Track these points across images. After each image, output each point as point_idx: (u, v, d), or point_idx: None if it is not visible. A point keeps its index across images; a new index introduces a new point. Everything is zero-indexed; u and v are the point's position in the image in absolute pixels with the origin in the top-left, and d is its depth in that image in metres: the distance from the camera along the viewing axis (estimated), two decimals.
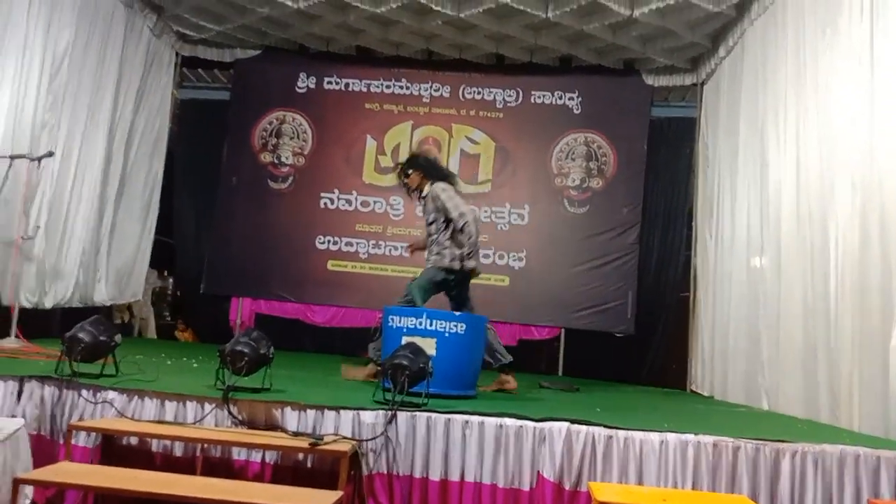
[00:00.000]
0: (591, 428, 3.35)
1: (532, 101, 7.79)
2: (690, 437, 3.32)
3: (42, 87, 5.82)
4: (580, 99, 7.72)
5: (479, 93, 7.85)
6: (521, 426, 3.35)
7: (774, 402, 5.01)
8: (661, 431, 3.36)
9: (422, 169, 5.06)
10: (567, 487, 3.27)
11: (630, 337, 7.35)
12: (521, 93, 7.81)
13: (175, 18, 7.55)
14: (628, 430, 3.36)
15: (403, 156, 7.78)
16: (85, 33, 6.31)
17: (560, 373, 7.36)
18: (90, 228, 6.66)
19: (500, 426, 3.35)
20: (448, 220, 4.76)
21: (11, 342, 4.74)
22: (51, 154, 5.44)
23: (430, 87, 7.91)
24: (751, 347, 5.50)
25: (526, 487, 3.30)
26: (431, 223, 4.89)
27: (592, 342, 7.40)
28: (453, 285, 4.88)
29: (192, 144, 8.42)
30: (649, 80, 7.65)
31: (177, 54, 8.03)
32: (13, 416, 3.47)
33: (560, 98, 7.75)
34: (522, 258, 7.53)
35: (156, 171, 7.86)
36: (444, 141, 7.84)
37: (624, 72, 7.66)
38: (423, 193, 5.00)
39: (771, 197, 5.35)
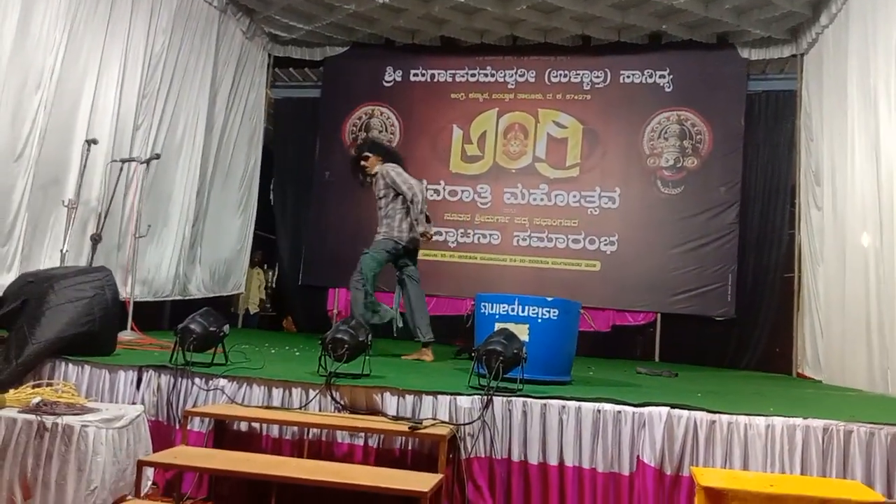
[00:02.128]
0: (693, 412, 3.28)
1: (621, 80, 7.62)
2: (798, 420, 3.20)
3: (142, 91, 6.17)
4: (672, 76, 7.49)
5: (565, 76, 7.75)
6: (619, 411, 3.32)
7: (894, 386, 4.73)
8: (766, 416, 3.25)
9: (377, 152, 5.77)
10: (668, 472, 3.22)
11: (731, 321, 7.10)
12: (608, 73, 7.65)
13: (266, 20, 7.82)
14: (732, 414, 3.27)
15: (490, 144, 7.82)
16: (180, 38, 6.64)
17: (657, 359, 7.20)
18: (190, 224, 7.02)
19: (598, 411, 3.33)
20: (397, 195, 5.45)
21: (128, 334, 5.06)
22: (157, 156, 5.77)
23: (515, 72, 7.87)
24: (866, 328, 5.20)
25: (626, 472, 3.27)
26: (381, 198, 5.55)
27: (690, 327, 7.20)
28: (402, 254, 5.56)
29: (287, 142, 8.71)
30: (745, 54, 7.34)
31: (269, 55, 8.33)
32: (134, 403, 3.73)
33: (650, 76, 7.55)
34: (614, 242, 7.40)
35: (252, 169, 8.19)
36: (530, 126, 7.78)
37: (717, 46, 7.38)
38: (375, 171, 5.64)
39: (883, 169, 5.03)
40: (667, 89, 7.52)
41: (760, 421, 3.23)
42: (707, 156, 7.33)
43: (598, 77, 7.67)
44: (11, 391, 3.49)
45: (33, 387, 3.58)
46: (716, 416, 3.27)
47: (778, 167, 7.39)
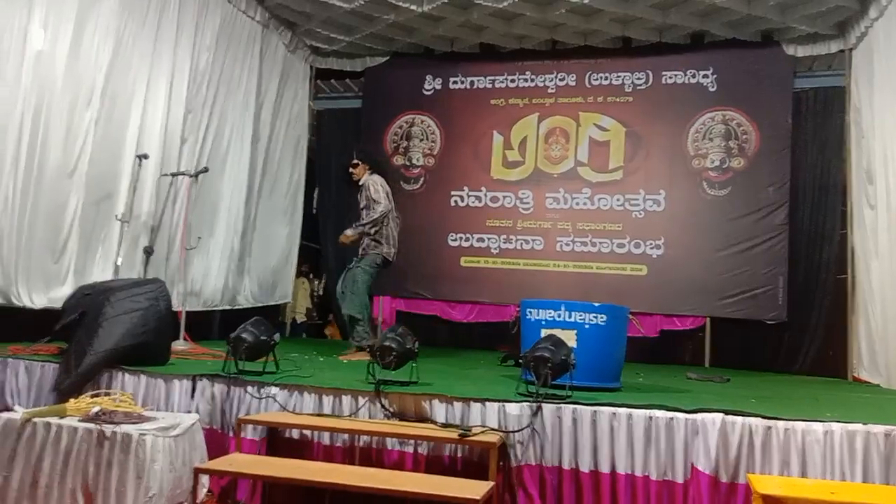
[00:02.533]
0: (748, 419, 3.22)
1: (663, 81, 7.53)
2: (859, 426, 3.12)
3: (188, 106, 6.32)
4: (715, 76, 7.37)
5: (606, 78, 7.69)
6: (671, 418, 3.27)
7: None
8: (825, 421, 3.18)
9: (367, 161, 5.92)
10: (724, 480, 3.17)
11: (782, 324, 6.93)
12: (650, 75, 7.56)
13: (308, 33, 7.93)
14: (788, 420, 3.20)
15: (531, 149, 7.80)
16: (224, 54, 6.78)
17: (706, 364, 7.07)
18: (239, 235, 7.15)
19: (650, 418, 3.29)
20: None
21: (181, 344, 5.17)
22: (206, 170, 5.90)
23: (556, 76, 7.83)
24: None
25: (680, 480, 3.22)
26: (363, 208, 5.75)
27: (741, 331, 7.05)
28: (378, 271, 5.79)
29: (330, 152, 8.80)
30: (790, 50, 7.18)
31: (311, 67, 8.45)
32: (188, 412, 3.81)
33: (693, 76, 7.44)
34: (660, 245, 7.30)
35: (297, 180, 8.32)
36: (571, 130, 7.74)
37: (762, 44, 7.24)
38: (361, 182, 5.83)
39: None
40: (711, 89, 7.40)
41: (818, 427, 3.15)
42: (754, 156, 7.19)
43: (639, 79, 7.59)
44: (72, 401, 3.59)
45: (92, 396, 3.69)
46: (772, 422, 3.20)
47: (827, 165, 7.20)
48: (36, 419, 3.34)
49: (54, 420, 3.34)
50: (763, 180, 7.11)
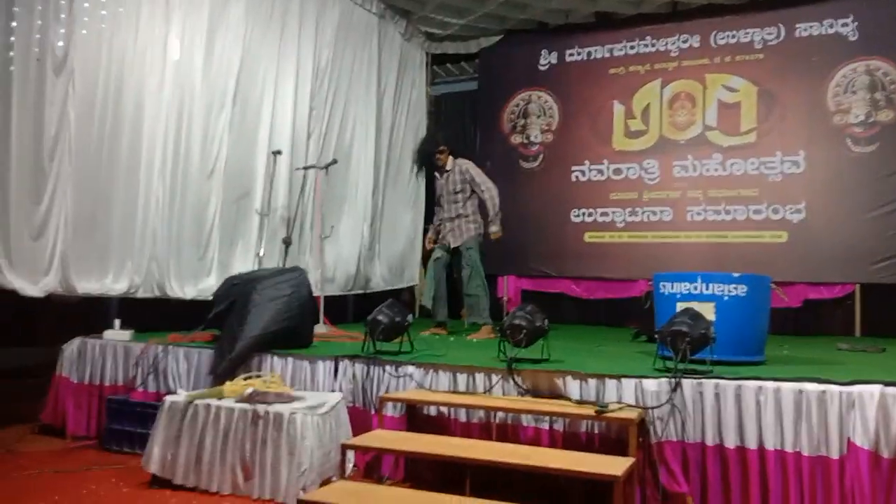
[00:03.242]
0: None
1: (797, 35, 7.02)
2: None
3: (313, 102, 6.58)
4: (856, 23, 6.79)
5: (733, 36, 7.27)
6: (823, 391, 3.09)
7: None
8: None
9: (451, 146, 6.03)
10: (885, 455, 2.96)
11: None
12: (782, 28, 7.08)
13: (422, 20, 8.03)
14: None
15: (655, 116, 7.53)
16: (343, 48, 7.00)
17: (857, 334, 6.60)
18: (368, 222, 7.40)
19: (800, 391, 3.12)
20: (473, 191, 5.89)
21: (321, 328, 5.43)
22: (335, 162, 6.15)
23: (678, 39, 7.50)
24: None
25: (835, 455, 3.04)
26: (458, 192, 5.87)
27: (895, 297, 6.52)
28: None
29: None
30: None
31: (426, 53, 8.56)
32: (333, 391, 4.01)
33: (831, 26, 6.88)
34: (801, 210, 6.85)
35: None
36: (697, 94, 7.40)
37: None
38: (448, 168, 5.93)
39: None
40: (851, 38, 6.83)
41: None
42: None
43: (770, 34, 7.12)
44: (227, 383, 3.87)
45: (245, 378, 3.95)
46: None
47: None
48: (197, 401, 3.63)
49: (213, 401, 3.62)
50: None
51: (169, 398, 3.71)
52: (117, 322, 4.79)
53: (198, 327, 4.65)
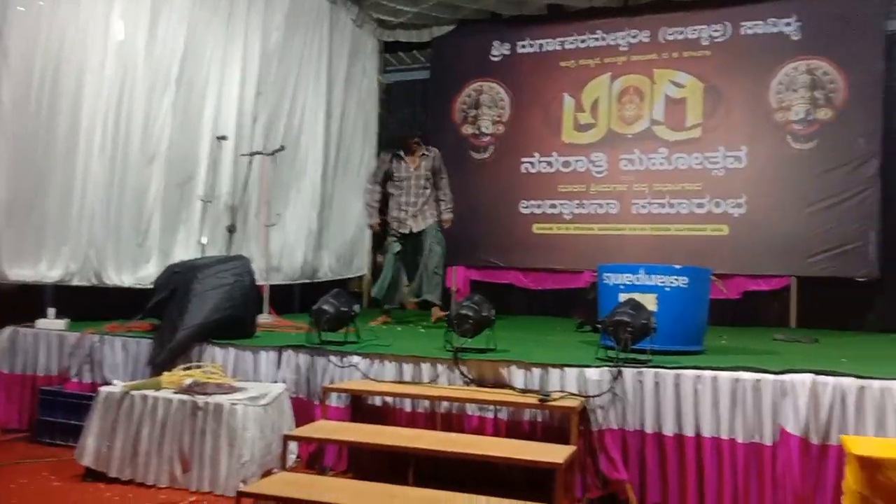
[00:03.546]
0: (840, 379, 3.11)
1: (742, 32, 7.17)
2: None
3: (261, 87, 6.44)
4: (799, 23, 6.96)
5: (681, 32, 7.38)
6: (758, 379, 3.19)
7: None
8: None
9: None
10: (814, 442, 3.07)
11: (874, 281, 6.59)
12: (729, 26, 7.21)
13: (374, 6, 7.94)
14: (884, 379, 3.06)
15: (604, 110, 7.61)
16: (293, 33, 6.86)
17: (793, 325, 6.81)
18: (317, 211, 7.30)
19: (736, 380, 3.21)
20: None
21: (265, 317, 5.34)
22: (283, 148, 6.04)
23: (628, 34, 7.58)
24: None
25: (768, 442, 3.14)
26: (427, 179, 5.98)
27: (830, 290, 6.73)
28: None
29: (400, 125, 8.83)
30: None
31: (378, 41, 8.48)
32: (275, 382, 3.95)
33: (774, 25, 7.04)
34: (742, 204, 7.02)
35: (368, 154, 8.40)
36: (645, 89, 7.50)
37: None
38: (421, 153, 6.02)
39: None
40: (794, 37, 7.01)
41: None
42: (842, 105, 6.79)
43: (716, 31, 7.26)
44: (166, 374, 3.79)
45: (185, 369, 3.87)
46: (866, 382, 3.08)
47: None
48: (133, 392, 3.54)
49: (151, 392, 3.53)
50: (853, 131, 6.71)
51: (104, 389, 3.62)
52: (51, 311, 4.63)
53: (136, 316, 4.53)
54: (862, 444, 2.62)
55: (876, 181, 6.59)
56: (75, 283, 4.92)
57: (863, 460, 2.46)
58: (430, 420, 3.62)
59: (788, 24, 7.01)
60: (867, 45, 6.74)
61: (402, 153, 6.00)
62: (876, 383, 3.06)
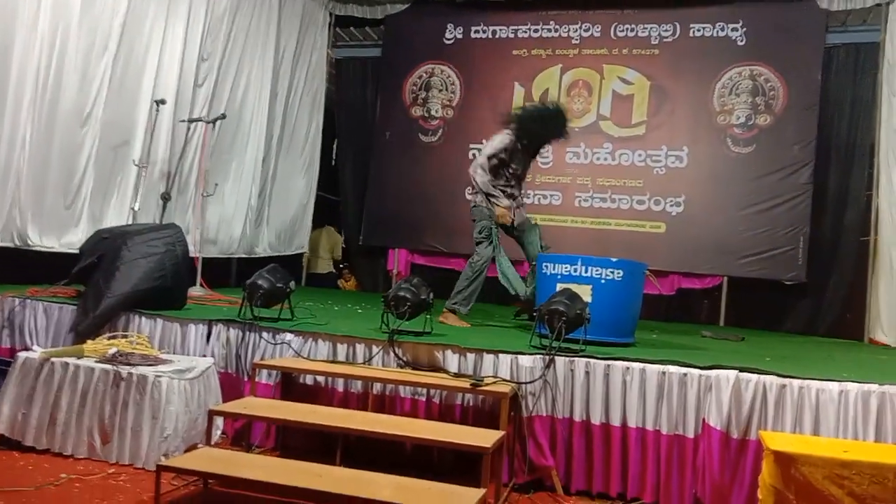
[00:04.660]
0: (763, 376, 3.21)
1: (691, 34, 7.30)
2: (874, 386, 3.10)
3: (205, 53, 6.23)
4: (744, 29, 7.14)
5: (632, 30, 7.48)
6: (685, 374, 3.26)
7: None
8: (840, 381, 3.15)
9: None
10: (735, 436, 3.17)
11: (801, 285, 6.84)
12: (678, 26, 7.34)
13: None
14: (804, 378, 3.18)
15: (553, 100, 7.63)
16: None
17: (721, 323, 7.03)
18: (258, 184, 7.12)
19: (663, 373, 3.28)
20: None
21: (197, 290, 5.21)
22: (223, 116, 5.87)
23: (580, 27, 7.63)
24: None
25: (690, 435, 3.23)
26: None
27: (758, 291, 6.97)
28: None
29: (349, 102, 8.71)
30: (824, 4, 6.92)
31: (330, 14, 8.31)
32: (204, 356, 3.85)
33: (722, 29, 7.21)
34: (681, 203, 7.19)
35: (315, 129, 8.25)
36: (594, 83, 7.58)
37: None
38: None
39: None
40: (739, 43, 7.19)
41: (834, 386, 3.13)
42: (781, 113, 7.01)
43: (666, 31, 7.38)
44: (89, 342, 3.65)
45: (109, 338, 3.74)
46: (787, 381, 3.18)
47: (857, 125, 7.01)
48: (54, 359, 3.40)
49: (72, 360, 3.40)
50: (789, 138, 6.94)
51: (23, 354, 3.47)
52: None
53: (61, 281, 4.34)
54: (778, 440, 2.71)
55: (808, 188, 6.83)
56: None
57: (778, 455, 2.55)
58: (363, 401, 3.59)
59: (735, 30, 7.18)
60: (807, 56, 6.96)
61: (531, 145, 5.03)
62: (796, 382, 3.17)
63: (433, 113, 8.10)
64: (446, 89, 8.09)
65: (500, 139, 4.94)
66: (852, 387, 3.11)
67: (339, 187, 8.75)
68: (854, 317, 6.71)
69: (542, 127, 4.98)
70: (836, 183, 7.02)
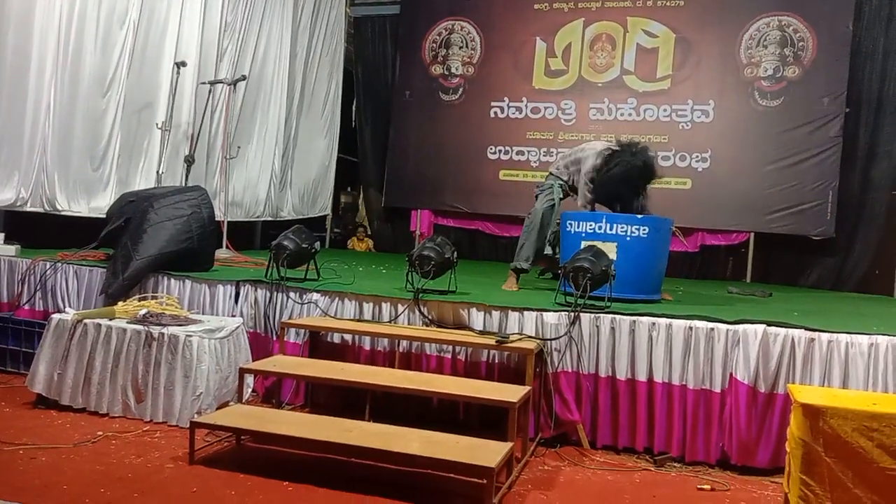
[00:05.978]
0: (791, 330, 3.18)
1: None
2: None
3: (225, 17, 6.20)
4: None
5: None
6: (712, 328, 3.25)
7: None
8: (870, 334, 3.12)
9: None
10: (762, 390, 3.16)
11: (829, 240, 6.74)
12: None
13: None
14: (832, 332, 3.15)
15: (575, 56, 7.50)
16: None
17: (748, 279, 6.96)
18: (280, 147, 7.13)
19: (690, 328, 3.27)
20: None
21: (223, 252, 5.26)
22: (244, 78, 5.85)
23: None
24: None
25: (717, 389, 3.23)
26: None
27: (786, 247, 6.89)
28: None
29: (367, 62, 8.63)
30: None
31: None
32: (233, 316, 3.91)
33: None
34: (707, 158, 7.08)
35: (335, 90, 8.22)
36: (618, 36, 7.42)
37: None
38: None
39: None
40: None
41: (863, 339, 3.10)
42: (810, 64, 6.83)
43: None
44: (120, 304, 3.71)
45: (139, 300, 3.80)
46: (815, 335, 3.16)
47: (889, 76, 6.80)
48: (86, 320, 3.46)
49: (104, 321, 3.46)
50: (818, 90, 6.77)
51: (56, 316, 3.54)
52: (1, 235, 4.48)
53: (90, 245, 4.41)
54: (807, 393, 2.69)
55: (837, 142, 6.68)
56: (28, 209, 4.76)
57: (807, 408, 2.53)
58: (389, 359, 3.63)
59: None
60: (837, 5, 6.75)
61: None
62: (825, 336, 3.14)
63: (454, 71, 8.01)
64: (466, 46, 7.98)
65: (581, 193, 4.51)
66: (883, 340, 3.08)
67: (357, 149, 8.72)
68: (882, 272, 6.61)
69: (624, 185, 4.32)
70: (866, 136, 6.84)
